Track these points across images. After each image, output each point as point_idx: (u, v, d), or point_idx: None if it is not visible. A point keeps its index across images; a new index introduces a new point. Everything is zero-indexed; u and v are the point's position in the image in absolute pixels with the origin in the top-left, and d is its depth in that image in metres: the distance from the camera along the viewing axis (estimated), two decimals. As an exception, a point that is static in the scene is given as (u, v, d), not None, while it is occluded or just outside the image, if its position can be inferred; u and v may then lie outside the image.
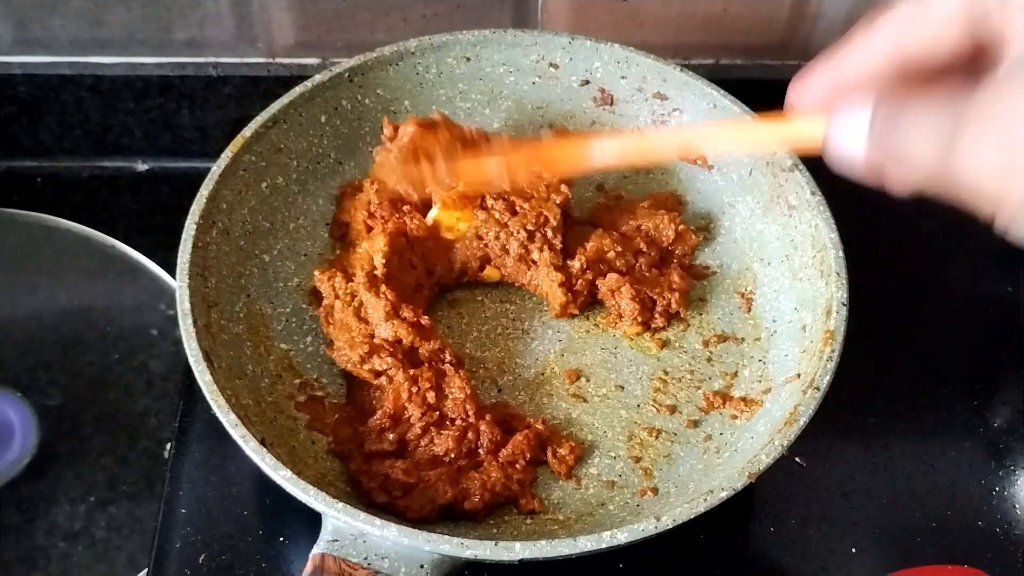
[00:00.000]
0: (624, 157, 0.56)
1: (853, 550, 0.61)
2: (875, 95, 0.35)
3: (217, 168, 0.62)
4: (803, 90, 0.38)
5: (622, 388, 0.63)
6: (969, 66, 0.34)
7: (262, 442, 0.51)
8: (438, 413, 0.58)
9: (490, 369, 0.63)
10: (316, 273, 0.63)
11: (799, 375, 0.58)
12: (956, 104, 0.32)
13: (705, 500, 0.50)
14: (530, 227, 0.65)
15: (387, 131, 0.63)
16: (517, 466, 0.57)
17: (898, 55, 0.35)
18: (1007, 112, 0.30)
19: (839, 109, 0.36)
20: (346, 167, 0.71)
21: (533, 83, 0.74)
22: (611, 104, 0.73)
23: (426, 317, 0.61)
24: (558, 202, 0.66)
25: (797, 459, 0.63)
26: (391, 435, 0.57)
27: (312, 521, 0.51)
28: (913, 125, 0.33)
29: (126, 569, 0.66)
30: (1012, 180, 0.31)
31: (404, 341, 0.59)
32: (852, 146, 0.35)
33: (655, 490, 0.58)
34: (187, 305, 0.56)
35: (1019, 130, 0.30)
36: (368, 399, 0.60)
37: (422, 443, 0.57)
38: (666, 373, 0.63)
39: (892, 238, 0.76)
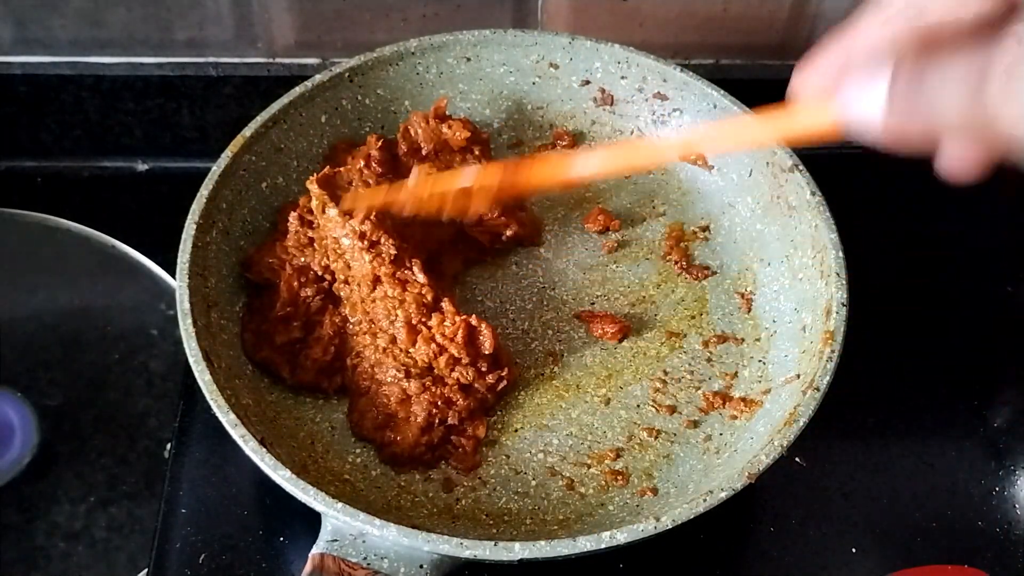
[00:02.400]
0: (611, 165, 0.54)
1: (853, 550, 0.61)
2: (895, 57, 0.34)
3: (217, 168, 0.62)
4: (810, 73, 0.37)
5: (622, 388, 0.63)
6: (993, 25, 0.33)
7: (262, 442, 0.51)
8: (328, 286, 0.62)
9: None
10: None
11: (799, 375, 0.58)
12: (983, 52, 0.31)
13: (705, 500, 0.50)
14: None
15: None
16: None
17: (917, 21, 0.34)
18: None
19: (855, 75, 0.35)
20: (346, 167, 0.71)
21: (533, 83, 0.74)
22: (611, 104, 0.73)
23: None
24: None
25: (797, 459, 0.63)
26: (295, 322, 0.61)
27: (312, 521, 0.51)
28: (939, 78, 0.32)
29: (126, 569, 0.66)
30: None
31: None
32: (870, 110, 0.34)
33: (655, 490, 0.58)
34: (187, 305, 0.56)
35: None
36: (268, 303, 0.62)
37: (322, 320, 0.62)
38: (666, 373, 0.63)
39: (892, 238, 0.76)
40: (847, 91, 0.35)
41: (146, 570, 0.59)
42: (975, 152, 0.35)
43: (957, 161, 0.36)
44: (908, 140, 0.35)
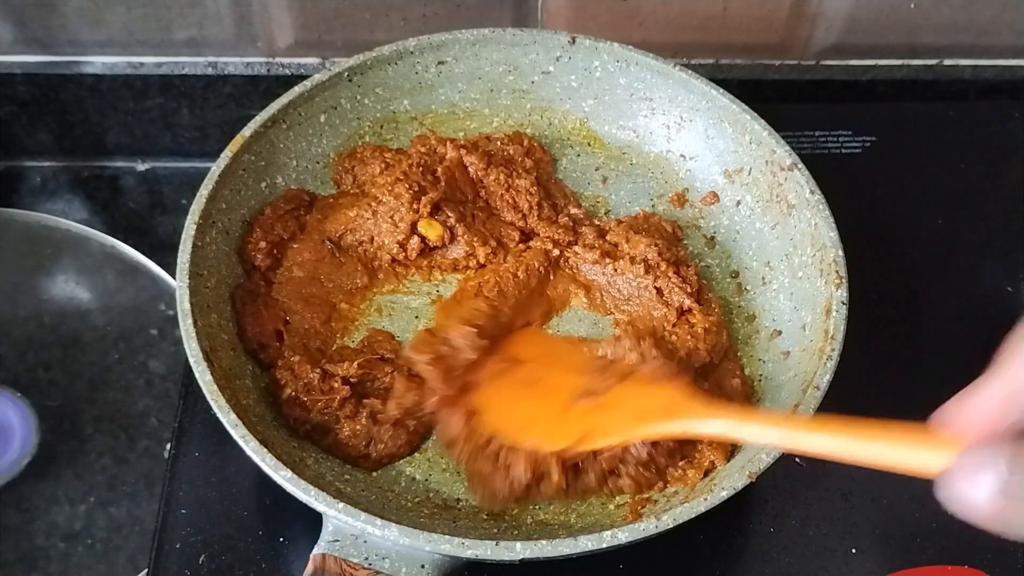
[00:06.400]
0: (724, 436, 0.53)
1: (853, 550, 0.61)
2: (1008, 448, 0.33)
3: (216, 168, 0.62)
4: (966, 415, 0.36)
5: (622, 388, 0.63)
6: None
7: (262, 442, 0.51)
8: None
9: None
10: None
11: (797, 374, 0.58)
12: None
13: (705, 500, 0.50)
14: None
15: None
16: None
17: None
18: None
19: (966, 463, 0.34)
20: (346, 167, 0.71)
21: (532, 82, 0.74)
22: (611, 103, 0.73)
23: None
24: None
25: (797, 459, 0.63)
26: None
27: (312, 521, 0.51)
28: None
29: (126, 569, 0.66)
30: None
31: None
32: (976, 502, 0.33)
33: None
34: (187, 305, 0.56)
35: None
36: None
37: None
38: (666, 373, 0.63)
39: (892, 238, 0.76)
40: (956, 474, 0.34)
41: (146, 570, 0.59)
42: None
43: None
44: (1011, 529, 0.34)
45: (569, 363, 0.59)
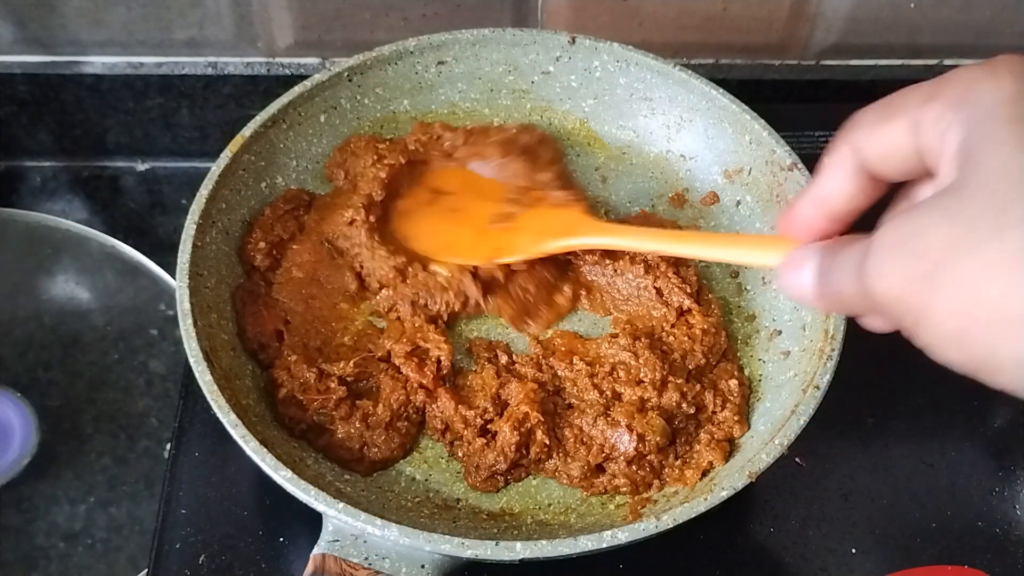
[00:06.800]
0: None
1: (853, 550, 0.61)
2: (818, 248, 0.42)
3: (216, 168, 0.62)
4: (786, 222, 0.45)
5: (622, 388, 0.63)
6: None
7: (262, 442, 0.51)
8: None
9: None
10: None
11: (797, 374, 0.58)
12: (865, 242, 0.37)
13: (705, 500, 0.50)
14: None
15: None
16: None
17: (825, 207, 0.43)
18: (902, 240, 0.35)
19: (791, 259, 0.43)
20: (346, 167, 0.71)
21: (532, 82, 0.74)
22: (611, 103, 0.73)
23: None
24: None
25: (797, 459, 0.63)
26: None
27: (312, 521, 0.51)
28: (838, 267, 0.39)
29: (126, 569, 0.66)
30: (912, 300, 0.34)
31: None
32: (802, 288, 0.42)
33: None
34: (187, 305, 0.56)
35: (914, 256, 0.34)
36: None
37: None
38: (666, 373, 0.63)
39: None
40: (785, 268, 0.43)
41: (146, 570, 0.59)
42: (881, 323, 0.43)
43: (874, 327, 0.44)
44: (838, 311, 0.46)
45: (487, 193, 0.66)
